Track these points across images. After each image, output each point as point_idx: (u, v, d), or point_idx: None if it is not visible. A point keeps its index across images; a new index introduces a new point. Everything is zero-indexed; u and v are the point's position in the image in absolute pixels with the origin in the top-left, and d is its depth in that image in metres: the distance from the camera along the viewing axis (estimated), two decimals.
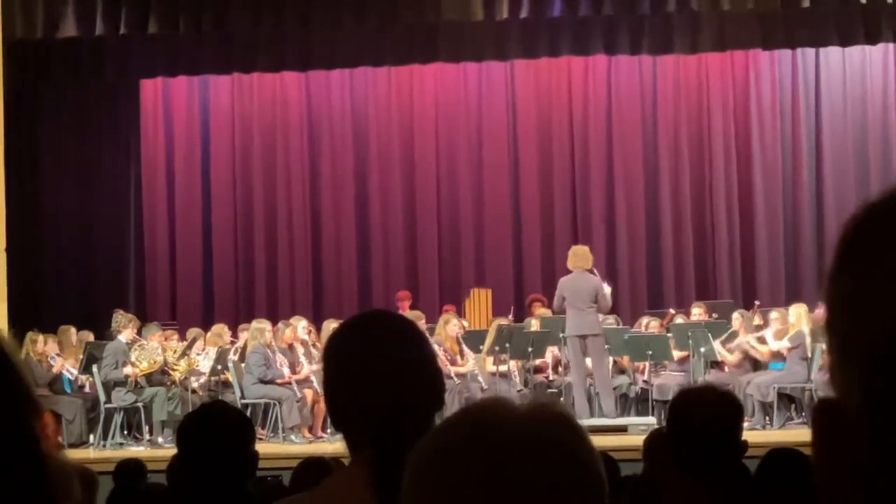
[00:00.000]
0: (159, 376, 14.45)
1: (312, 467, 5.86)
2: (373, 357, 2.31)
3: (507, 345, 14.31)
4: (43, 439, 1.42)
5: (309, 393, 14.31)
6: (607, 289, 14.51)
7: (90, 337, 15.41)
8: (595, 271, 14.53)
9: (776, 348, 14.38)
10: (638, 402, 14.67)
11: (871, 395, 0.88)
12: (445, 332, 14.55)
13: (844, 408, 0.91)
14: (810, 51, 17.95)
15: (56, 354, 14.84)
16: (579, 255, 14.38)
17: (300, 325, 15.20)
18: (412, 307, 16.43)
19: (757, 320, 15.17)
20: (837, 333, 0.92)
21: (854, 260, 0.91)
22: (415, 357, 2.34)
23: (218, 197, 18.83)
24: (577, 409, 13.63)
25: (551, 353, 15.00)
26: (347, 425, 2.35)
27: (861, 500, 0.90)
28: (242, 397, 14.17)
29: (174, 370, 14.50)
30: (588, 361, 14.20)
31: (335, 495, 2.30)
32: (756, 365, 14.81)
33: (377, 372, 2.29)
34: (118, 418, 14.20)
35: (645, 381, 14.65)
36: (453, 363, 14.34)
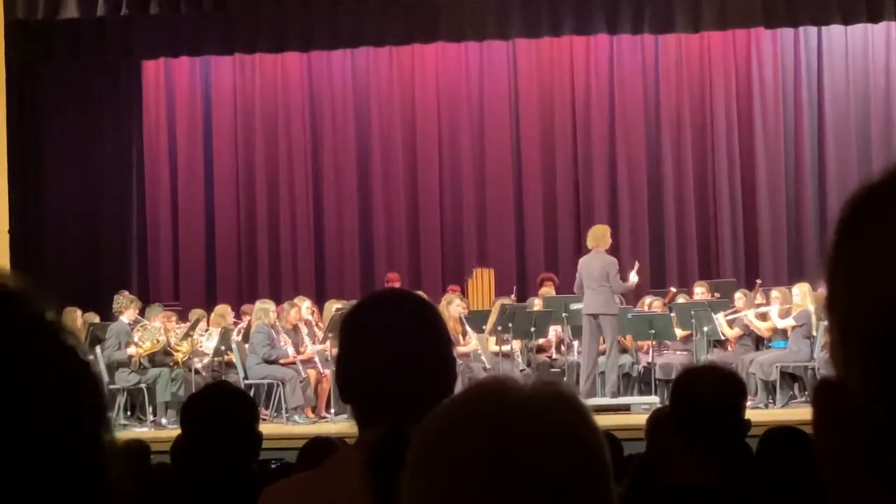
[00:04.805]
0: (162, 357, 14.46)
1: (319, 447, 5.86)
2: (389, 334, 2.33)
3: (510, 324, 14.32)
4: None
5: (312, 373, 14.32)
6: (634, 276, 14.58)
7: (95, 319, 15.42)
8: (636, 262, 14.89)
9: (781, 326, 14.40)
10: (641, 382, 14.68)
11: (871, 372, 0.89)
12: (448, 313, 14.54)
13: (845, 386, 0.91)
14: (812, 29, 17.91)
15: None
16: (592, 235, 14.47)
17: (304, 306, 15.21)
18: (406, 288, 16.39)
19: (759, 299, 15.19)
20: (838, 310, 0.92)
21: (855, 236, 0.92)
22: (430, 338, 2.36)
23: (220, 177, 18.83)
24: (582, 389, 13.65)
25: (554, 332, 15.01)
26: (356, 401, 2.36)
27: (862, 477, 0.90)
28: (245, 378, 14.18)
29: (177, 351, 14.51)
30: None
31: (334, 476, 2.30)
32: (758, 344, 14.84)
33: (392, 349, 2.31)
34: (121, 399, 14.22)
35: (648, 361, 14.66)
36: (456, 343, 14.36)
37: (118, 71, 18.32)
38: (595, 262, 14.06)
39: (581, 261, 14.40)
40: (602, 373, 14.20)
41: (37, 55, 16.79)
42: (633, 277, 14.58)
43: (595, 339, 14.11)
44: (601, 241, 14.26)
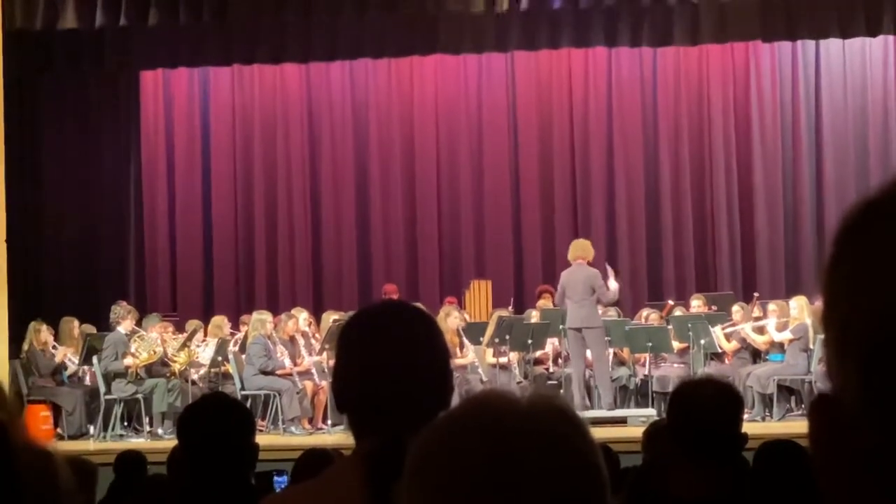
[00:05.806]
0: (159, 367, 14.46)
1: (315, 459, 5.86)
2: (386, 344, 2.32)
3: (507, 336, 14.31)
4: (14, 429, 1.41)
5: (309, 384, 14.32)
6: (613, 283, 14.53)
7: (92, 329, 15.40)
8: (608, 266, 14.73)
9: (779, 339, 14.40)
10: (638, 394, 14.67)
11: (870, 384, 0.88)
12: (446, 325, 14.52)
13: (842, 400, 0.91)
14: (810, 42, 17.93)
15: (53, 346, 14.87)
16: (575, 248, 14.50)
17: (301, 317, 15.21)
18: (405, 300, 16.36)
19: (756, 312, 15.20)
20: (835, 322, 0.92)
21: (854, 248, 0.92)
22: (427, 348, 2.35)
23: (218, 188, 18.82)
24: (575, 402, 13.65)
25: (551, 344, 15.01)
26: (353, 411, 2.35)
27: (859, 489, 0.90)
28: (242, 389, 14.17)
29: (174, 362, 14.50)
30: (589, 353, 14.24)
31: (331, 486, 2.30)
32: (755, 357, 14.84)
33: (389, 359, 2.30)
34: (118, 409, 14.20)
35: (645, 373, 14.66)
36: (453, 356, 14.34)
37: (117, 81, 18.31)
38: (578, 276, 14.10)
39: (563, 274, 14.42)
40: (597, 385, 14.21)
41: (35, 65, 16.79)
42: (613, 284, 14.55)
43: (581, 351, 14.13)
44: (581, 254, 14.30)
